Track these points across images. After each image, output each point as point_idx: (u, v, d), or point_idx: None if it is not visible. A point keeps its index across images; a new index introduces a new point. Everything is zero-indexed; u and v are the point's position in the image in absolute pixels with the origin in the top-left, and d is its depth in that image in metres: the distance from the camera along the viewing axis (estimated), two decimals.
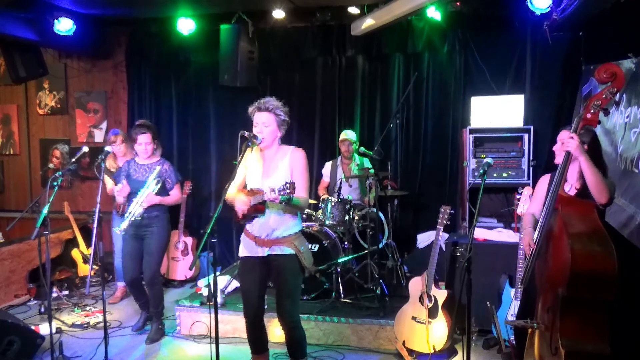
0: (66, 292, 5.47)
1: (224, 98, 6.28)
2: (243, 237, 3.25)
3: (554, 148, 2.92)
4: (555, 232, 2.52)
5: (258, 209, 3.09)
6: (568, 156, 2.62)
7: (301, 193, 3.08)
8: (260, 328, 3.34)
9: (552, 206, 2.58)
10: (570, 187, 2.87)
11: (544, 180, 3.07)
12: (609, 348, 2.32)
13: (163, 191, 4.25)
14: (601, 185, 2.60)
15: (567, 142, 2.59)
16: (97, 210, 3.69)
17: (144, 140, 4.18)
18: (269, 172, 3.16)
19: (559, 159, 2.78)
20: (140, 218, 4.11)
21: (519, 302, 3.62)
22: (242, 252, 3.25)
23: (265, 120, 3.08)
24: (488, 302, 3.63)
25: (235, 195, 3.16)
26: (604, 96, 2.51)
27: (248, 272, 3.24)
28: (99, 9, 5.78)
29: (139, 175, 4.21)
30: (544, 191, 2.96)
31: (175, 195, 4.33)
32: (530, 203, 3.19)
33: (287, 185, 2.80)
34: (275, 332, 4.12)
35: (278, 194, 2.82)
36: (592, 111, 2.53)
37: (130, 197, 4.17)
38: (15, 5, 5.25)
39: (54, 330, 3.81)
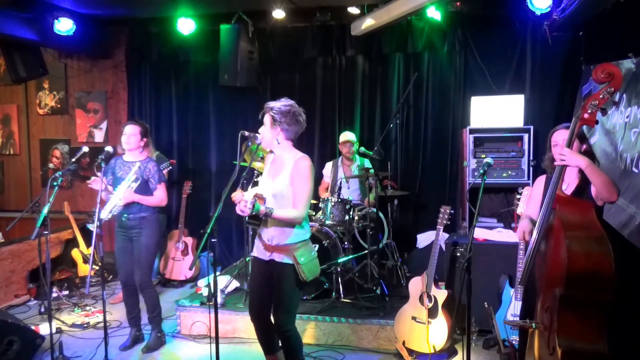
0: (66, 292, 5.47)
1: (224, 98, 6.29)
2: (257, 236, 3.29)
3: (553, 152, 2.90)
4: (553, 232, 2.52)
5: (252, 216, 3.01)
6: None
7: (297, 205, 3.03)
8: (265, 328, 3.31)
9: (550, 206, 2.58)
10: (567, 186, 2.87)
11: (540, 181, 3.06)
12: (606, 348, 2.32)
13: (148, 191, 4.08)
14: (609, 185, 2.60)
15: (560, 157, 2.59)
16: (97, 210, 3.67)
17: (129, 131, 4.05)
18: (273, 176, 3.16)
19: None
20: (123, 218, 3.99)
21: (519, 302, 3.62)
22: (253, 251, 3.31)
23: (265, 121, 3.13)
24: (486, 303, 3.63)
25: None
26: (601, 96, 2.52)
27: (254, 272, 3.30)
28: (99, 9, 5.79)
29: (123, 172, 4.07)
30: (540, 192, 2.95)
31: (158, 196, 4.09)
32: (527, 205, 3.16)
33: (254, 199, 2.82)
34: None
35: (250, 206, 2.81)
36: (589, 111, 2.54)
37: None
38: (15, 5, 5.25)
39: (54, 330, 3.81)
